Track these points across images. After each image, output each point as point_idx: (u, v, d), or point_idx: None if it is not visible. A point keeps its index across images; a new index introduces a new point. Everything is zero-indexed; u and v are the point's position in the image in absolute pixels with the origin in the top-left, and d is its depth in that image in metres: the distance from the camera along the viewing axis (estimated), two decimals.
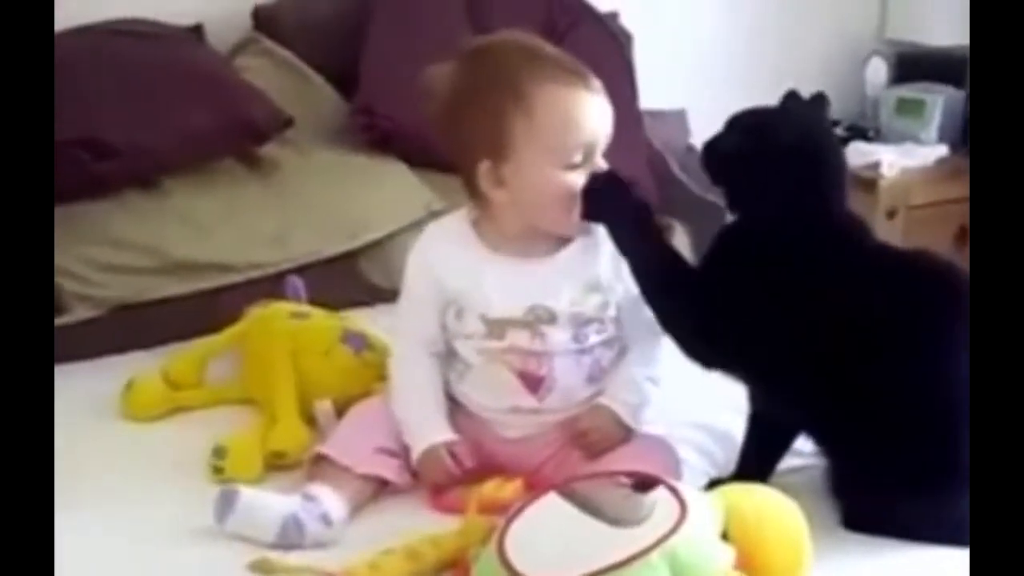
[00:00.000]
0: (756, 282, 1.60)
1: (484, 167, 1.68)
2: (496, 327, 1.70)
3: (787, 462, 1.73)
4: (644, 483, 1.40)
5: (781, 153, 1.62)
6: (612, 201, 1.68)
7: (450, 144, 1.75)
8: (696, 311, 1.65)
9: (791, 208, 1.62)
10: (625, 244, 1.68)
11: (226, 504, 1.58)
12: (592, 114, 1.68)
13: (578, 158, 1.66)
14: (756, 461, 1.71)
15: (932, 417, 1.55)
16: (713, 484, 1.62)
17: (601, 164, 1.69)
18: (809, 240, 1.61)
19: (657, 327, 1.71)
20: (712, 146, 1.70)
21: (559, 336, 1.70)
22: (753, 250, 1.63)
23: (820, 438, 1.66)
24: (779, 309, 1.58)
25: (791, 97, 1.69)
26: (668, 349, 1.72)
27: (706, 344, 1.66)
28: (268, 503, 1.60)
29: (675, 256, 1.71)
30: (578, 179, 1.66)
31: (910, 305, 1.57)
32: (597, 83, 1.70)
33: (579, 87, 1.67)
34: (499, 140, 1.66)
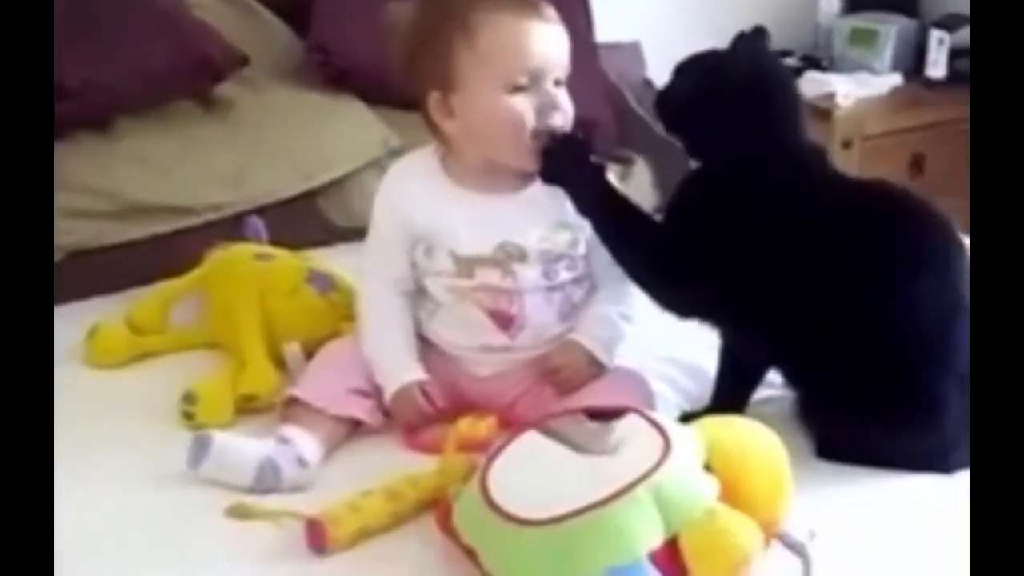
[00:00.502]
0: (721, 226, 1.60)
1: (434, 98, 1.69)
2: (465, 264, 1.69)
3: (758, 393, 1.74)
4: (614, 413, 1.41)
5: (732, 94, 1.62)
6: (569, 163, 1.67)
7: (408, 80, 1.73)
8: (664, 264, 1.65)
9: (748, 148, 1.62)
10: (585, 207, 1.68)
11: (200, 449, 1.56)
12: (539, 40, 1.66)
13: (522, 80, 1.65)
14: (730, 393, 1.72)
15: (898, 346, 1.56)
16: (686, 417, 1.63)
17: (552, 92, 1.67)
18: (768, 178, 1.61)
19: None
20: (664, 96, 1.70)
21: (529, 273, 1.69)
22: (714, 195, 1.63)
23: (790, 372, 1.67)
24: (745, 250, 1.59)
25: (740, 38, 1.69)
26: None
27: (679, 295, 1.66)
28: (242, 447, 1.58)
29: (636, 212, 1.70)
30: (524, 103, 1.65)
31: (871, 235, 1.58)
32: (551, 12, 1.69)
33: (526, 15, 1.66)
34: (446, 71, 1.67)
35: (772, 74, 1.69)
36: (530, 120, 1.65)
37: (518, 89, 1.65)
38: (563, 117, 1.68)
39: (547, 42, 1.67)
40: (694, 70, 1.66)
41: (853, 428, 1.60)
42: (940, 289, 1.57)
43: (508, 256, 1.69)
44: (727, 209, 1.60)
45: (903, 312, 1.56)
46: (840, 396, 1.59)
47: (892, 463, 1.59)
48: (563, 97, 1.68)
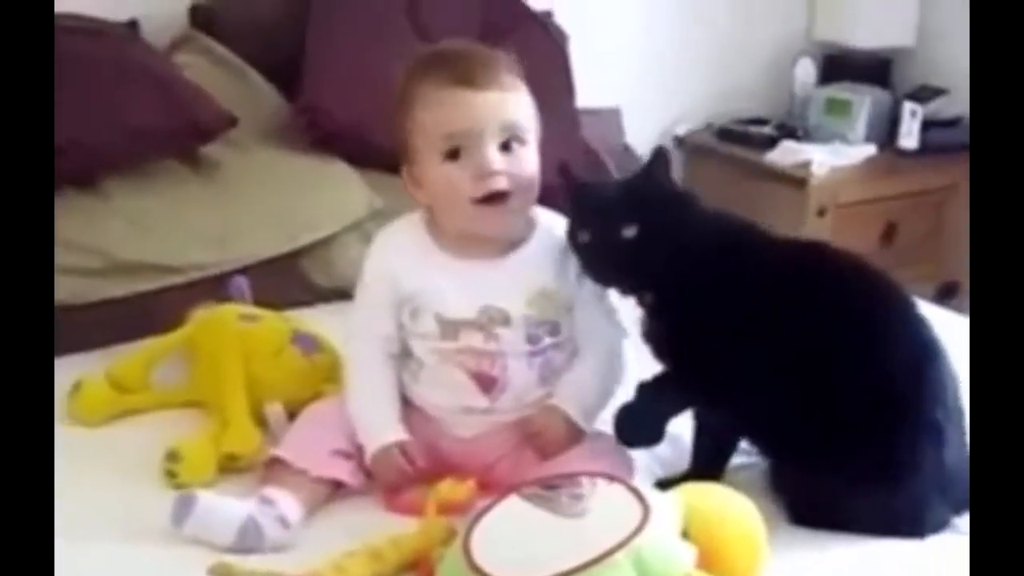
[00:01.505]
0: (705, 337, 1.65)
1: (404, 171, 1.76)
2: (450, 327, 1.72)
3: (733, 460, 1.76)
4: (594, 479, 1.43)
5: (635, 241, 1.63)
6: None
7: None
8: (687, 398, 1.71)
9: (678, 274, 1.65)
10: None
11: (184, 507, 1.57)
12: (465, 106, 1.68)
13: (449, 146, 1.68)
14: (706, 463, 1.74)
15: (870, 411, 1.58)
16: (662, 484, 1.65)
17: (489, 156, 1.67)
18: (719, 283, 1.64)
19: (610, 332, 1.77)
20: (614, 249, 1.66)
21: (512, 337, 1.72)
22: (685, 321, 1.66)
23: (761, 440, 1.70)
24: (728, 347, 1.63)
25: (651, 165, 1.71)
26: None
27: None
28: (225, 507, 1.59)
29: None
30: (456, 170, 1.68)
31: (832, 304, 1.62)
32: (492, 78, 1.70)
33: (454, 83, 1.68)
34: (404, 144, 1.74)
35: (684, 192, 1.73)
36: (463, 186, 1.68)
37: (452, 156, 1.69)
38: (507, 180, 1.69)
39: (477, 107, 1.68)
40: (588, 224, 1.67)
41: (827, 492, 1.62)
42: (906, 344, 1.61)
43: (491, 320, 1.71)
44: (704, 319, 1.64)
45: (872, 374, 1.59)
46: (813, 460, 1.61)
47: (866, 528, 1.61)
48: (510, 159, 1.69)
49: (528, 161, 1.72)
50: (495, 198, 1.69)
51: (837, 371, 1.59)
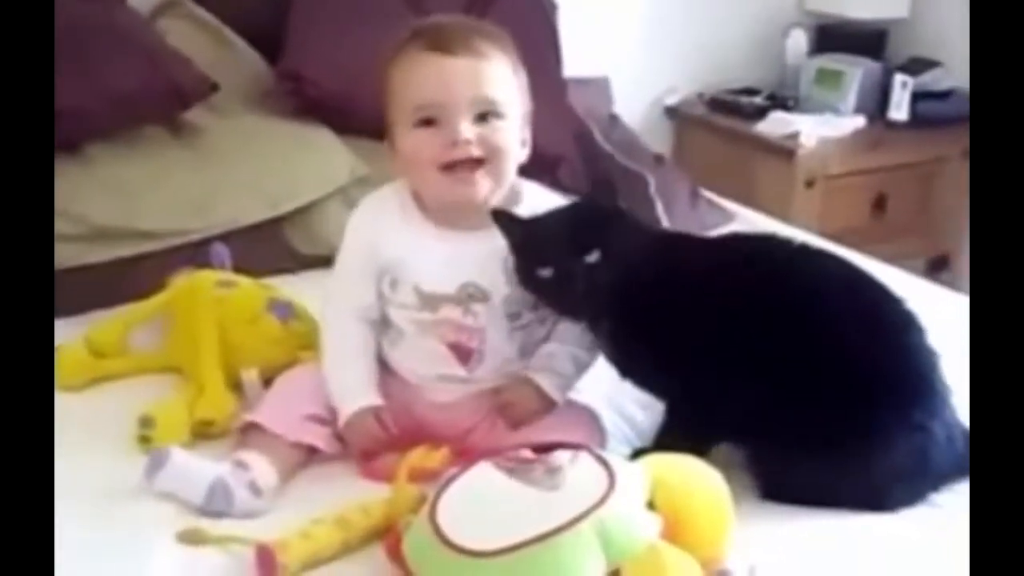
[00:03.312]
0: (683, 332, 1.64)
1: (386, 141, 1.76)
2: (429, 300, 1.72)
3: None
4: (564, 449, 1.43)
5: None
6: None
7: None
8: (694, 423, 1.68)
9: (634, 295, 1.64)
10: None
11: (157, 463, 1.58)
12: (439, 74, 1.67)
13: (422, 115, 1.67)
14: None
15: (835, 387, 1.57)
16: (637, 453, 1.65)
17: (459, 127, 1.66)
18: (673, 291, 1.65)
19: None
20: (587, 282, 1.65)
21: (491, 314, 1.72)
22: (650, 338, 1.66)
23: (740, 434, 1.68)
24: (702, 351, 1.63)
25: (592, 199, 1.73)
26: None
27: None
28: (198, 465, 1.60)
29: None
30: (426, 137, 1.67)
31: (785, 290, 1.63)
32: (471, 46, 1.68)
33: (431, 50, 1.67)
34: (384, 110, 1.73)
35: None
36: (431, 152, 1.67)
37: (425, 123, 1.68)
38: (478, 149, 1.67)
39: (451, 76, 1.67)
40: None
41: (800, 470, 1.61)
42: (867, 319, 1.61)
43: (470, 297, 1.71)
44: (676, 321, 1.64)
45: (834, 352, 1.58)
46: (785, 437, 1.60)
47: (838, 502, 1.60)
48: (485, 129, 1.68)
49: (505, 132, 1.70)
50: (463, 165, 1.68)
51: (803, 355, 1.58)
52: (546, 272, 1.64)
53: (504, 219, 1.68)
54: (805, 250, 1.70)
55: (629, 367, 1.71)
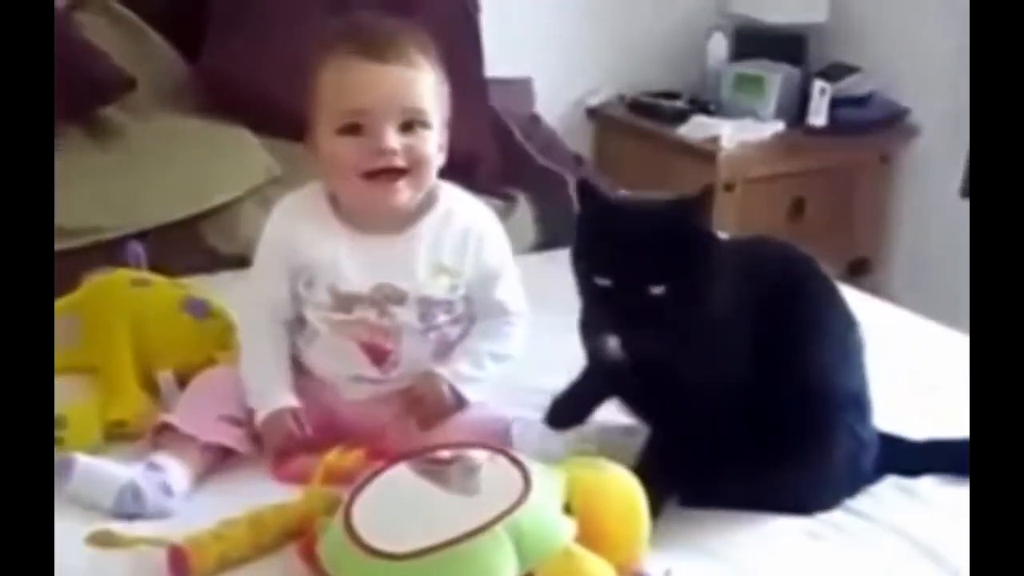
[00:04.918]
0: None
1: (307, 141, 1.75)
2: (344, 301, 1.71)
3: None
4: (478, 451, 1.42)
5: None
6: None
7: None
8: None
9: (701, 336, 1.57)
10: None
11: (62, 471, 1.56)
12: (368, 82, 1.67)
13: (347, 121, 1.67)
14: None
15: (788, 396, 1.58)
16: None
17: (384, 135, 1.66)
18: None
19: (508, 307, 1.77)
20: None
21: (406, 316, 1.72)
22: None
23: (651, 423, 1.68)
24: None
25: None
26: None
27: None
28: (107, 470, 1.58)
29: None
30: (350, 145, 1.67)
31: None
32: (402, 54, 1.68)
33: (361, 57, 1.67)
34: (307, 115, 1.72)
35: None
36: (354, 160, 1.67)
37: (349, 130, 1.67)
38: (401, 159, 1.66)
39: (382, 85, 1.67)
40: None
41: (732, 472, 1.60)
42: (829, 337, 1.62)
43: (386, 297, 1.71)
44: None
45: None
46: (699, 447, 1.58)
47: (752, 506, 1.60)
48: (410, 138, 1.67)
49: (428, 142, 1.70)
50: (385, 174, 1.68)
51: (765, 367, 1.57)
52: (604, 282, 1.52)
53: (588, 195, 1.56)
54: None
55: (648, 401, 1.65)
